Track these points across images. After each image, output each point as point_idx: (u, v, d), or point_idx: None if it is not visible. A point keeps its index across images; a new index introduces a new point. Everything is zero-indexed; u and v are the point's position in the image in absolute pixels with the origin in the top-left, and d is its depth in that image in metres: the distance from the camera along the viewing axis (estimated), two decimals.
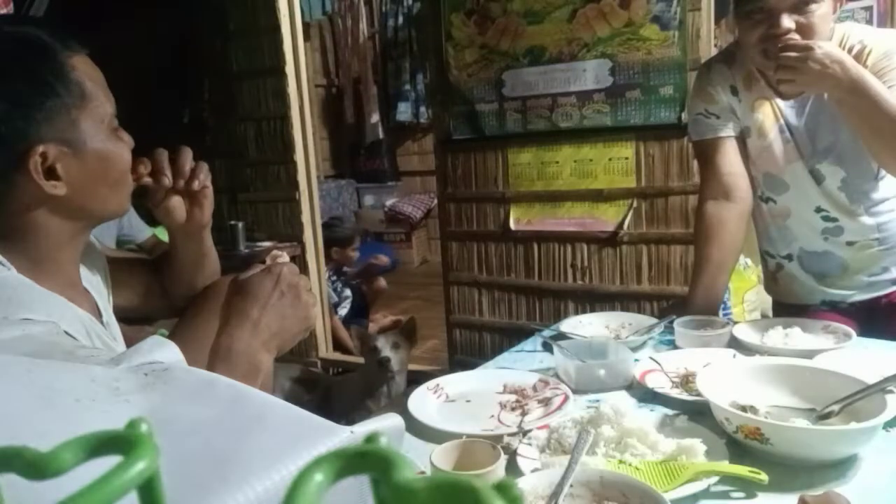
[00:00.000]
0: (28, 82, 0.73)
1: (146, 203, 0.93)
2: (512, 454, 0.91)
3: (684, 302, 1.53)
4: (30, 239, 0.77)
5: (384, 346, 2.48)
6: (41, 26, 0.77)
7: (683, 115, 2.39)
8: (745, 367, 1.08)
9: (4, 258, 0.75)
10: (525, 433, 0.98)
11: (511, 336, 2.73)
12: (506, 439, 0.96)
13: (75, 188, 0.76)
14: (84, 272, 0.89)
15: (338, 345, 3.82)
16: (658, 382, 1.14)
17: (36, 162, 0.72)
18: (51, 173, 0.74)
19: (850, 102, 1.23)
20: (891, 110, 1.21)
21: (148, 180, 0.89)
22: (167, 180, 0.89)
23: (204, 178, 0.92)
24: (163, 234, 3.42)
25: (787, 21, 1.24)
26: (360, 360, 2.76)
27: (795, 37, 1.25)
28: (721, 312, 1.61)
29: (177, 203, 0.93)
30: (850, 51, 1.32)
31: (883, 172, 1.40)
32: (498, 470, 0.80)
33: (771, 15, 1.26)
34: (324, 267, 3.77)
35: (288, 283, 0.83)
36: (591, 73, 2.56)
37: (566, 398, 1.09)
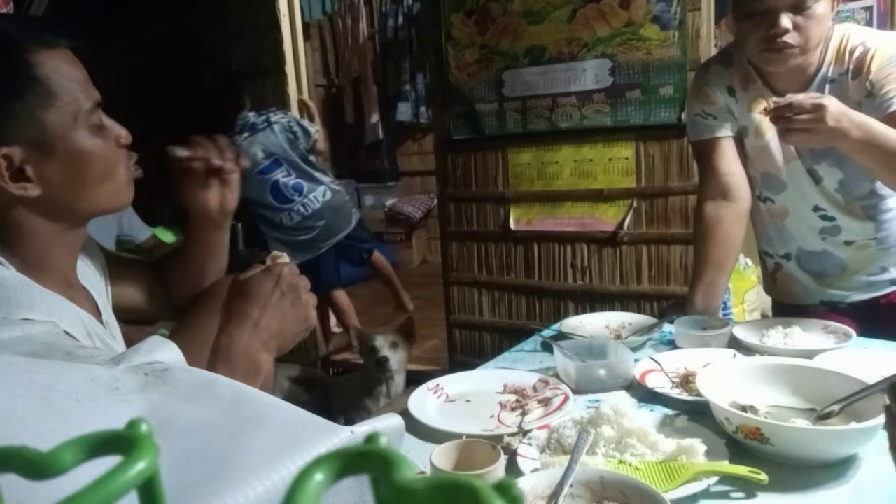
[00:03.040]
0: None
1: (179, 196, 0.96)
2: (512, 454, 0.91)
3: (684, 302, 1.53)
4: (19, 240, 0.77)
5: (382, 346, 2.48)
6: (8, 21, 0.76)
7: (683, 116, 2.38)
8: (745, 367, 1.08)
9: (3, 258, 0.75)
10: (525, 433, 0.98)
11: (511, 336, 2.73)
12: (506, 439, 0.96)
13: (52, 189, 0.75)
14: (82, 270, 0.89)
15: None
16: (658, 382, 1.14)
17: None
18: (21, 175, 0.73)
19: (861, 149, 1.23)
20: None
21: (200, 163, 0.93)
22: (220, 163, 0.94)
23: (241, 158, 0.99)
24: (163, 235, 3.42)
25: (786, 21, 1.25)
26: (361, 359, 2.75)
27: (791, 40, 1.26)
28: (721, 312, 1.61)
29: (213, 190, 0.97)
30: (851, 53, 1.32)
31: None
32: (498, 470, 0.80)
33: (770, 14, 1.26)
34: None
35: (288, 283, 0.83)
36: (591, 73, 2.56)
37: (566, 398, 1.09)
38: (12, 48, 0.73)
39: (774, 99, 1.24)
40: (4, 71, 0.72)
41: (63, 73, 0.76)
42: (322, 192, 3.23)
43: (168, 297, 1.07)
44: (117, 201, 0.84)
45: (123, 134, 0.83)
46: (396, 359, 2.49)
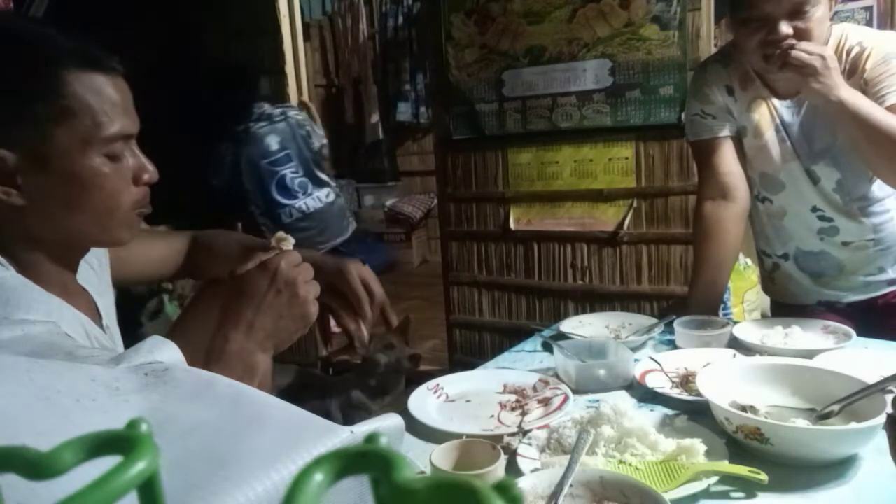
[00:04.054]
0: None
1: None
2: (512, 454, 0.91)
3: (684, 302, 1.54)
4: (11, 245, 0.76)
5: (400, 347, 2.44)
6: (63, 33, 0.74)
7: (683, 115, 2.38)
8: (745, 367, 1.08)
9: (3, 259, 0.75)
10: (525, 433, 0.98)
11: (511, 336, 2.73)
12: (506, 439, 0.96)
13: (38, 204, 0.74)
14: (84, 272, 0.88)
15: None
16: (658, 382, 1.14)
17: None
18: (10, 181, 0.72)
19: (848, 115, 1.24)
20: (885, 119, 1.23)
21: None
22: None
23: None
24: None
25: (786, 27, 1.24)
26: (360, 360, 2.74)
27: (792, 42, 1.26)
28: (721, 312, 1.61)
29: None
30: (848, 53, 1.33)
31: None
32: (498, 470, 0.80)
33: (768, 21, 1.26)
34: None
35: (285, 279, 0.80)
36: (591, 73, 2.56)
37: (566, 398, 1.09)
38: (39, 58, 0.72)
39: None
40: (21, 78, 0.71)
41: (96, 95, 0.74)
42: (325, 193, 3.24)
43: (185, 266, 1.08)
44: (107, 237, 0.81)
45: (147, 173, 0.81)
46: (394, 359, 2.47)
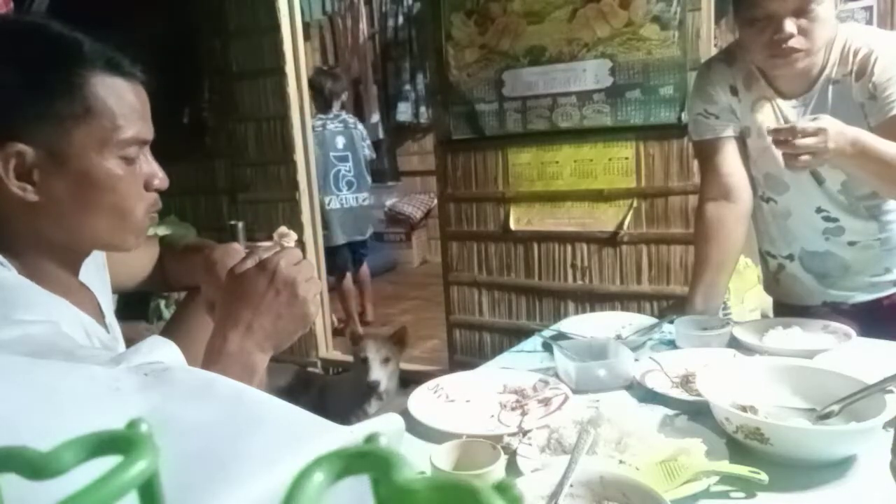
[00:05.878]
0: (25, 79, 0.71)
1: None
2: (512, 454, 0.91)
3: (684, 302, 1.53)
4: (18, 242, 0.76)
5: (374, 361, 2.39)
6: (91, 37, 0.75)
7: (683, 115, 2.38)
8: (745, 367, 1.08)
9: (5, 259, 0.75)
10: (525, 433, 0.98)
11: (511, 336, 2.73)
12: (506, 439, 0.96)
13: (52, 202, 0.74)
14: (86, 271, 0.88)
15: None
16: (658, 382, 1.14)
17: (8, 155, 0.70)
18: (27, 177, 0.72)
19: (857, 164, 1.24)
20: (884, 153, 1.22)
21: None
22: None
23: None
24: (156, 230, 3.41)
25: (791, 26, 1.24)
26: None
27: (797, 44, 1.25)
28: (721, 312, 1.61)
29: None
30: (855, 54, 1.32)
31: None
32: (498, 470, 0.80)
33: (773, 20, 1.25)
34: (324, 267, 3.76)
35: (283, 279, 0.79)
36: (591, 73, 2.56)
37: (566, 398, 1.09)
38: (69, 59, 0.73)
39: (773, 127, 1.25)
40: (47, 74, 0.72)
41: (116, 98, 0.75)
42: (363, 197, 4.15)
43: (164, 277, 1.07)
44: (116, 240, 0.82)
45: (158, 179, 0.82)
46: (388, 373, 2.42)
